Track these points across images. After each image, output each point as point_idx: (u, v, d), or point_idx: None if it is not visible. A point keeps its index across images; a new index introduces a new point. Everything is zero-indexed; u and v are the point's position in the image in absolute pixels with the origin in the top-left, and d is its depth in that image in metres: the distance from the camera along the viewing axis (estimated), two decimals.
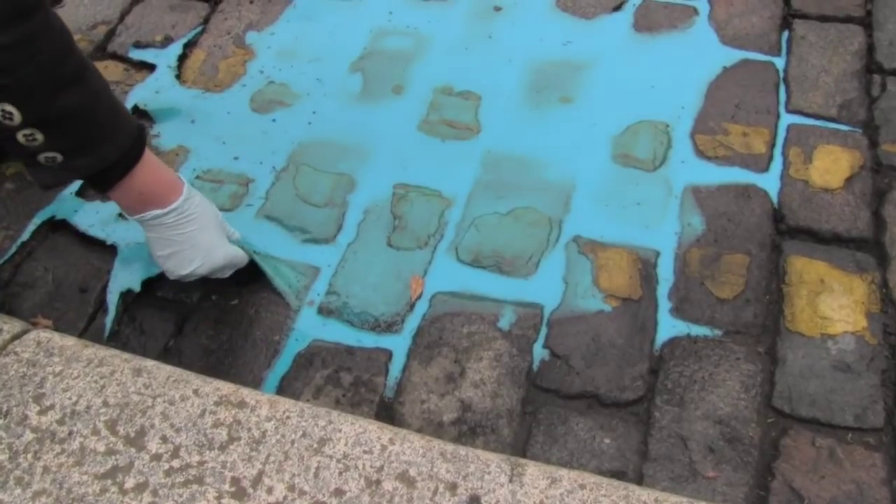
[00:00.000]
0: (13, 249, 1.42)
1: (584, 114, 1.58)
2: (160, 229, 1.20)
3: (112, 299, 1.36)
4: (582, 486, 0.98)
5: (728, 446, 1.16)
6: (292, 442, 1.00)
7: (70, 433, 1.01)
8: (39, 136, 1.03)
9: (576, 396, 1.23)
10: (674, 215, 1.41)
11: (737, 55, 1.66)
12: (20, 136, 1.02)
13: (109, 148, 1.11)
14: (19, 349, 1.11)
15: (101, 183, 1.16)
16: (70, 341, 1.12)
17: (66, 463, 0.99)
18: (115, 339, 1.32)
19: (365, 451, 0.99)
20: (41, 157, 1.07)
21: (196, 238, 1.23)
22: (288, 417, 1.03)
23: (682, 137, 1.52)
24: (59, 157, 1.07)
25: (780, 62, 1.64)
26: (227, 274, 1.32)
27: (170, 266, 1.24)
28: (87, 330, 1.33)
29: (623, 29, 1.73)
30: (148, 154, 1.18)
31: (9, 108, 0.98)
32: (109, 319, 1.34)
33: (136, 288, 1.37)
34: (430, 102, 1.62)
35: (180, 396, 1.05)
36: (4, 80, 0.96)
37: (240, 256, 1.31)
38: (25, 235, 1.44)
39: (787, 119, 1.54)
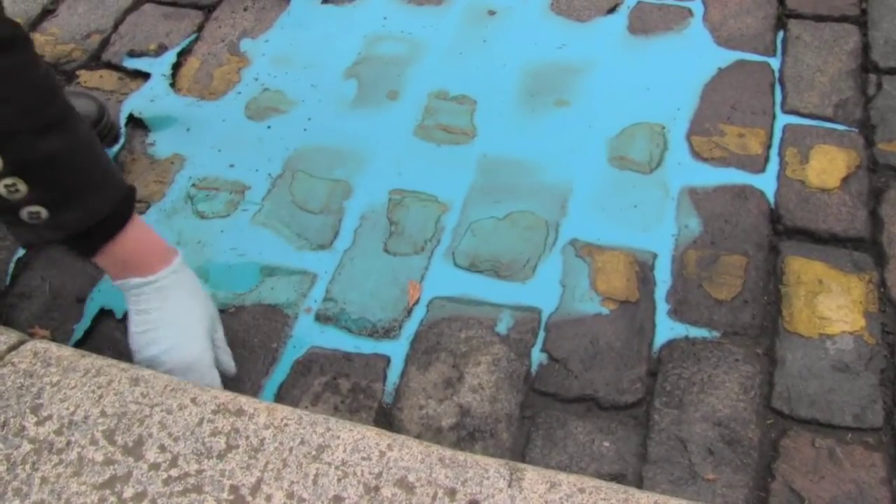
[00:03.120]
0: (11, 263, 1.42)
1: (580, 117, 1.58)
2: (139, 300, 1.13)
3: (90, 310, 1.36)
4: (581, 490, 0.98)
5: (727, 448, 1.16)
6: (290, 449, 1.00)
7: (68, 443, 1.01)
8: (22, 187, 0.97)
9: (574, 400, 1.23)
10: (671, 217, 1.41)
11: (732, 56, 1.66)
12: (1, 188, 0.96)
13: (99, 201, 1.05)
14: (16, 360, 1.10)
15: (87, 244, 1.09)
16: (67, 351, 1.12)
17: (65, 473, 0.98)
18: (94, 348, 1.31)
19: (363, 458, 0.99)
20: (24, 213, 1.00)
21: (172, 319, 1.14)
22: (286, 425, 1.03)
23: (678, 139, 1.53)
24: (44, 213, 1.00)
25: (775, 62, 1.64)
26: (189, 378, 1.14)
27: (138, 343, 1.14)
28: (85, 340, 1.33)
29: (618, 31, 1.73)
30: (137, 217, 1.12)
31: None
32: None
33: (117, 315, 1.36)
34: (425, 107, 1.62)
35: (178, 405, 1.05)
36: None
37: (208, 370, 1.16)
38: (21, 251, 1.44)
39: (782, 119, 1.54)
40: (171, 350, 1.13)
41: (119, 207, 1.08)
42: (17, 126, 0.94)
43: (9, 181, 0.96)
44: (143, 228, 1.13)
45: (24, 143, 0.95)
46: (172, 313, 1.14)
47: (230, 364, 1.22)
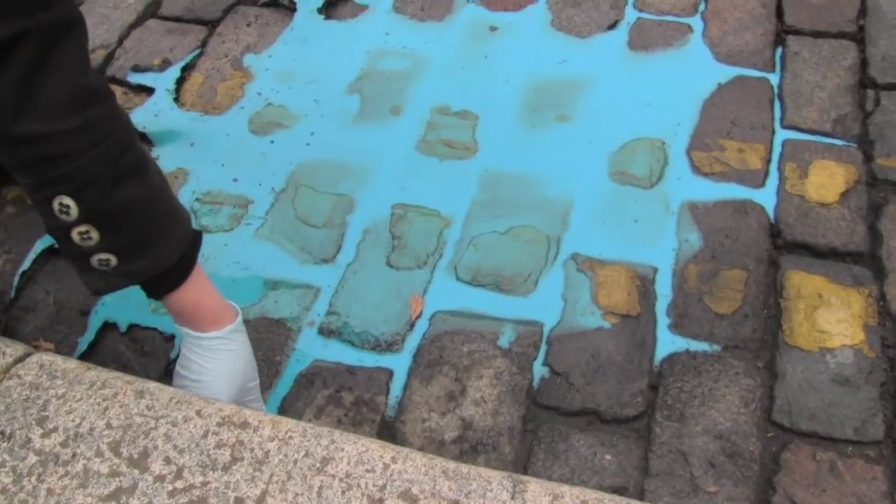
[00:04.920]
0: (16, 277, 1.43)
1: (581, 132, 1.59)
2: (188, 349, 1.15)
3: (94, 322, 1.37)
4: (583, 503, 0.98)
5: (728, 461, 1.16)
6: (295, 462, 1.01)
7: (73, 455, 1.01)
8: (95, 235, 0.99)
9: (576, 413, 1.23)
10: (671, 232, 1.42)
11: (731, 72, 1.67)
12: (75, 234, 0.98)
13: (166, 249, 1.06)
14: (22, 372, 1.11)
15: (152, 290, 1.11)
16: (72, 364, 1.13)
17: (70, 485, 0.99)
18: (99, 360, 1.32)
19: (367, 470, 1.00)
20: (94, 260, 1.02)
21: (208, 380, 1.15)
22: (290, 437, 1.03)
23: (678, 154, 1.53)
24: (114, 260, 1.02)
25: (774, 78, 1.66)
26: None
27: (177, 381, 1.17)
28: (89, 353, 1.34)
29: (618, 47, 1.74)
30: (200, 268, 1.13)
31: (66, 200, 0.95)
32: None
33: (122, 328, 1.37)
34: (427, 122, 1.63)
35: (183, 418, 1.05)
36: (66, 167, 0.93)
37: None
38: (26, 264, 1.44)
39: (782, 134, 1.56)
40: (217, 396, 1.14)
41: (185, 255, 1.09)
42: (96, 173, 0.96)
43: (83, 228, 0.98)
44: (202, 284, 1.14)
45: (100, 190, 0.97)
46: (210, 374, 1.14)
47: None
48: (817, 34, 1.73)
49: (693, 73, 1.68)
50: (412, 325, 1.34)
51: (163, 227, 1.06)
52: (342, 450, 1.02)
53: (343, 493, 0.97)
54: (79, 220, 0.97)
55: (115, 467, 1.00)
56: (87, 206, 0.97)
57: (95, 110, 0.95)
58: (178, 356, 1.30)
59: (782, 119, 1.58)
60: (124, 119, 1.01)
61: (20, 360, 1.13)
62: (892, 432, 1.18)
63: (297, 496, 0.97)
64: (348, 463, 1.00)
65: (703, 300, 1.33)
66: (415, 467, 1.00)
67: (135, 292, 1.36)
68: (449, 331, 1.32)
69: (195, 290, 1.12)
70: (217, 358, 1.14)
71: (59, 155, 0.93)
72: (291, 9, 1.89)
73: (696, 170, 1.51)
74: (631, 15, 1.81)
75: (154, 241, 1.05)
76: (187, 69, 1.78)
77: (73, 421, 1.05)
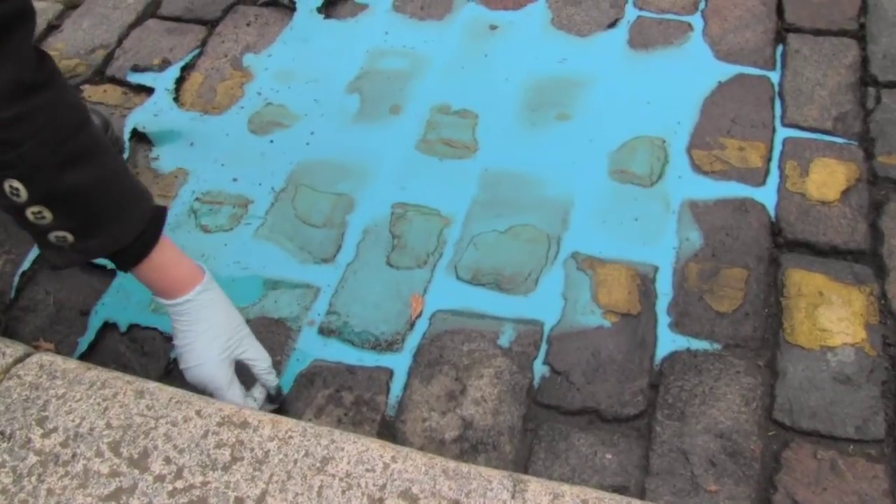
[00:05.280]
0: (16, 277, 1.43)
1: (581, 131, 1.59)
2: (172, 319, 1.16)
3: (94, 323, 1.37)
4: (584, 502, 0.98)
5: (729, 460, 1.16)
6: (295, 461, 1.00)
7: (73, 455, 1.01)
8: (48, 214, 1.00)
9: (577, 412, 1.23)
10: (672, 230, 1.42)
11: (732, 70, 1.67)
12: (29, 214, 1.00)
13: (121, 230, 1.07)
14: (22, 372, 1.11)
15: (118, 263, 1.12)
16: (72, 364, 1.13)
17: (70, 485, 0.99)
18: (99, 360, 1.32)
19: (367, 470, 1.00)
20: (52, 237, 1.03)
21: (192, 340, 1.16)
22: (290, 437, 1.03)
23: (678, 153, 1.53)
24: (70, 238, 1.04)
25: (774, 76, 1.65)
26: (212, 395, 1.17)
27: (178, 356, 1.18)
28: (89, 353, 1.34)
29: (618, 46, 1.74)
30: (165, 239, 1.13)
31: (15, 183, 0.96)
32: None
33: (122, 328, 1.37)
34: (427, 122, 1.63)
35: (183, 418, 1.05)
36: (9, 154, 0.94)
37: (227, 388, 1.17)
38: (26, 264, 1.44)
39: (782, 133, 1.55)
40: (190, 370, 1.16)
41: (144, 234, 1.10)
42: (40, 159, 0.96)
43: (35, 209, 0.99)
44: (169, 252, 1.15)
45: (48, 175, 0.98)
46: (191, 336, 1.16)
47: (268, 380, 1.23)
48: (818, 32, 1.72)
49: (693, 71, 1.68)
50: (412, 325, 1.34)
51: (118, 207, 1.07)
52: (342, 449, 1.02)
53: (343, 492, 0.97)
54: (29, 202, 0.98)
55: (115, 467, 1.00)
56: (36, 190, 0.98)
57: (37, 99, 0.95)
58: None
59: (783, 117, 1.58)
60: (71, 103, 1.02)
61: (20, 360, 1.13)
62: (893, 431, 1.18)
63: (298, 496, 0.97)
64: (348, 462, 1.00)
65: (703, 299, 1.33)
66: (415, 467, 1.00)
67: (135, 292, 1.37)
68: (449, 330, 1.32)
69: (159, 262, 1.13)
70: (193, 319, 1.15)
71: (3, 142, 0.94)
72: (291, 8, 1.89)
73: (697, 168, 1.51)
74: (631, 13, 1.80)
75: (109, 220, 1.06)
76: (187, 69, 1.78)
77: (73, 421, 1.05)
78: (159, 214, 1.13)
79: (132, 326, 1.36)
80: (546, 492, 0.98)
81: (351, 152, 1.59)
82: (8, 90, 0.93)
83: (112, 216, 1.06)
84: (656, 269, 1.38)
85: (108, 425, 1.04)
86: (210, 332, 1.16)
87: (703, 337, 1.29)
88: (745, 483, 1.14)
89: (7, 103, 0.93)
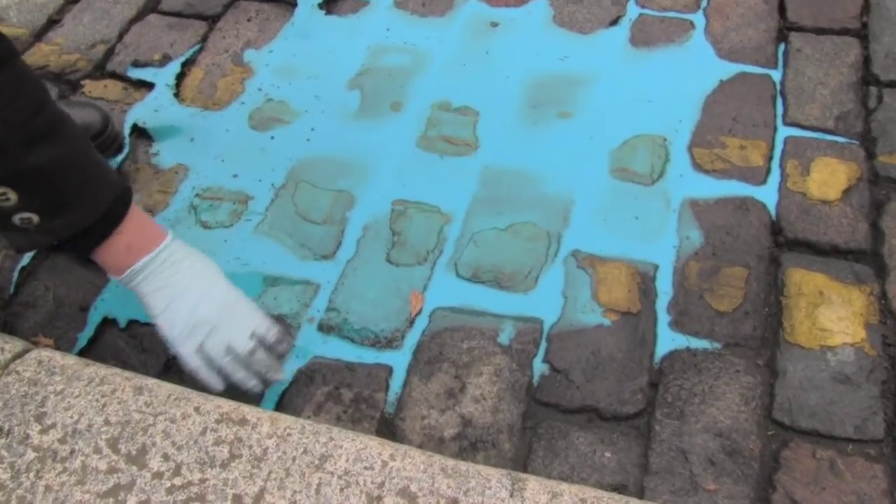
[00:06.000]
0: (15, 272, 1.43)
1: (582, 128, 1.59)
2: (151, 279, 1.13)
3: (93, 318, 1.37)
4: (583, 501, 0.98)
5: (728, 459, 1.16)
6: (293, 459, 1.00)
7: (72, 452, 1.01)
8: (12, 196, 0.99)
9: (576, 410, 1.23)
10: (672, 229, 1.42)
11: (733, 68, 1.67)
12: None
13: (88, 208, 1.06)
14: (20, 368, 1.11)
15: (80, 247, 1.10)
16: (71, 360, 1.13)
17: (68, 482, 0.99)
18: (98, 356, 1.32)
19: (366, 468, 1.00)
20: (16, 219, 1.02)
21: (188, 278, 1.15)
22: (289, 434, 1.03)
23: (679, 151, 1.53)
24: (35, 219, 1.02)
25: (776, 75, 1.65)
26: (233, 322, 1.16)
27: (166, 322, 1.14)
28: (89, 349, 1.34)
29: (620, 43, 1.74)
30: (133, 206, 1.12)
31: None
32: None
33: (121, 323, 1.36)
34: (428, 118, 1.62)
35: (181, 414, 1.05)
36: None
37: (246, 303, 1.18)
38: (25, 259, 1.44)
39: (784, 132, 1.55)
40: (202, 302, 1.14)
41: (110, 211, 1.08)
42: (5, 140, 0.95)
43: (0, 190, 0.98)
44: (138, 215, 1.13)
45: (11, 155, 0.96)
46: (186, 275, 1.14)
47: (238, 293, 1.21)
48: (820, 31, 1.72)
49: (695, 69, 1.68)
50: (412, 322, 1.33)
51: (84, 184, 1.06)
52: (341, 447, 1.02)
53: (341, 490, 0.97)
54: None
55: (113, 464, 1.00)
56: (1, 171, 0.97)
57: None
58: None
59: (784, 116, 1.58)
60: (31, 80, 1.00)
61: (19, 356, 1.13)
62: (892, 431, 1.18)
63: (296, 493, 0.97)
64: (347, 460, 1.00)
65: (703, 297, 1.33)
66: (413, 465, 1.00)
67: (128, 299, 1.37)
68: (449, 327, 1.32)
69: (135, 220, 1.12)
70: (183, 261, 1.14)
71: None
72: (292, 4, 1.88)
73: (698, 167, 1.50)
74: (633, 11, 1.80)
75: (76, 198, 1.04)
76: (187, 64, 1.77)
77: (72, 417, 1.05)
78: (126, 192, 1.12)
79: (131, 322, 1.36)
80: (545, 490, 0.98)
81: (351, 149, 1.58)
82: None
83: (77, 195, 1.05)
84: (656, 267, 1.37)
85: (107, 422, 1.04)
86: (205, 264, 1.16)
87: (703, 336, 1.29)
88: (744, 482, 1.14)
89: None
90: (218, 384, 1.15)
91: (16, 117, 0.96)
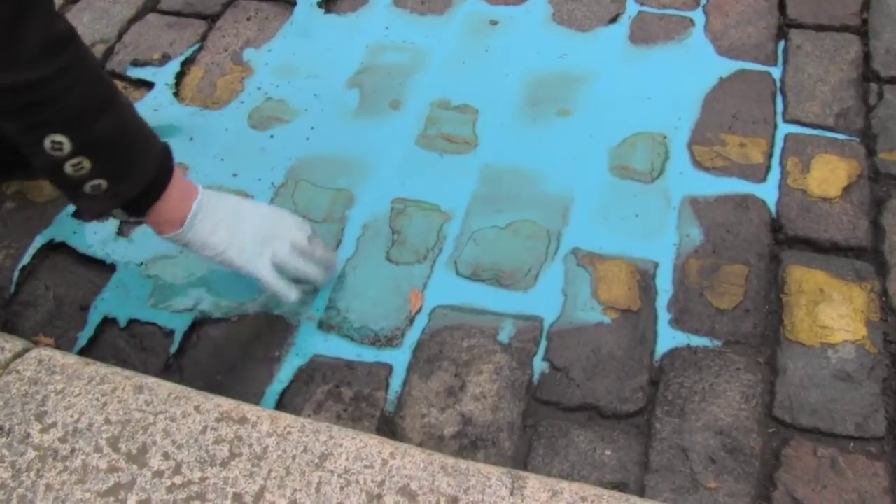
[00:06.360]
0: (15, 272, 1.43)
1: (582, 126, 1.58)
2: (206, 220, 1.20)
3: (93, 317, 1.37)
4: (583, 499, 0.98)
5: (729, 457, 1.16)
6: (293, 457, 1.00)
7: (72, 451, 1.01)
8: (87, 164, 1.04)
9: (576, 409, 1.23)
10: (672, 226, 1.42)
11: (733, 66, 1.67)
12: (68, 167, 1.03)
13: (147, 166, 1.13)
14: (21, 368, 1.11)
15: (142, 204, 1.15)
16: (71, 359, 1.13)
17: (69, 481, 0.99)
18: (98, 355, 1.32)
19: (366, 466, 0.99)
20: (87, 187, 1.07)
21: (233, 205, 1.25)
22: (289, 433, 1.03)
23: (679, 148, 1.53)
24: (105, 184, 1.08)
25: (776, 72, 1.65)
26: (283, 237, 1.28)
27: (235, 247, 1.22)
28: (89, 348, 1.34)
29: (619, 41, 1.74)
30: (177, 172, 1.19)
31: (58, 137, 0.99)
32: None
33: (121, 323, 1.36)
34: (427, 117, 1.62)
35: (181, 413, 1.05)
36: (52, 108, 0.98)
37: (288, 215, 1.32)
38: (26, 259, 1.44)
39: (784, 129, 1.55)
40: (256, 221, 1.26)
41: (162, 165, 1.15)
42: (79, 110, 1.01)
43: (76, 160, 1.03)
44: (177, 170, 1.20)
45: (87, 124, 1.02)
46: (230, 203, 1.25)
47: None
48: (820, 28, 1.72)
49: (694, 66, 1.68)
50: (412, 320, 1.33)
51: (140, 143, 1.13)
52: (341, 445, 1.02)
53: (342, 488, 0.97)
54: (72, 153, 1.02)
55: (113, 463, 1.00)
56: (79, 140, 1.02)
57: (70, 51, 0.99)
58: (177, 351, 1.31)
59: (784, 113, 1.58)
60: (92, 54, 1.07)
61: (19, 355, 1.13)
62: (893, 428, 1.18)
63: (296, 492, 0.97)
64: (347, 459, 1.00)
65: (703, 295, 1.33)
66: (413, 463, 1.00)
67: (134, 288, 1.37)
68: (448, 326, 1.32)
69: (178, 175, 1.19)
70: (217, 193, 1.24)
71: (45, 99, 0.97)
72: (291, 3, 1.88)
73: (698, 164, 1.50)
74: (632, 8, 1.80)
75: (136, 158, 1.12)
76: (187, 64, 1.77)
77: (72, 416, 1.05)
78: (167, 145, 1.18)
79: (131, 321, 1.36)
80: (545, 488, 0.98)
81: (351, 147, 1.58)
82: (48, 45, 0.96)
83: (137, 153, 1.12)
84: (656, 265, 1.37)
85: (107, 421, 1.04)
86: (238, 199, 1.28)
87: (704, 333, 1.29)
88: (745, 480, 1.14)
89: (50, 57, 0.96)
90: (293, 294, 1.27)
91: (88, 87, 1.02)
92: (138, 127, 1.13)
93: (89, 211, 1.12)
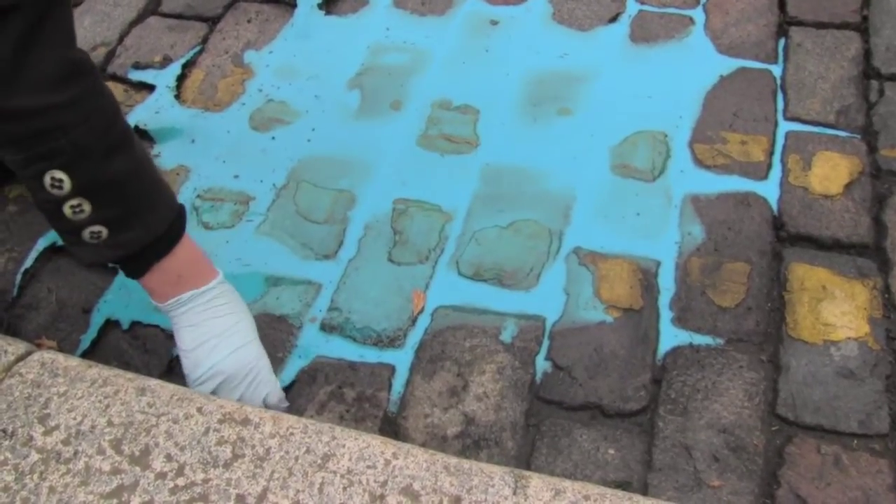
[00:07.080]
0: (18, 275, 1.43)
1: (583, 125, 1.58)
2: (191, 315, 1.16)
3: (96, 320, 1.37)
4: (586, 498, 0.98)
5: (733, 455, 1.16)
6: (296, 458, 1.00)
7: (75, 453, 1.01)
8: (87, 207, 1.01)
9: (579, 408, 1.23)
10: (674, 225, 1.42)
11: (733, 64, 1.67)
12: (66, 209, 1.00)
13: (155, 220, 1.09)
14: (24, 370, 1.11)
15: (140, 263, 1.12)
16: (74, 362, 1.13)
17: (72, 483, 0.99)
18: (101, 358, 1.32)
19: (369, 466, 0.99)
20: (86, 233, 1.04)
21: (225, 327, 1.17)
22: (291, 434, 1.03)
23: (680, 147, 1.53)
24: (105, 232, 1.05)
25: (777, 70, 1.65)
26: (250, 387, 1.19)
27: (192, 360, 1.17)
28: (91, 350, 1.34)
29: (619, 40, 1.74)
30: (186, 233, 1.15)
31: (59, 174, 0.97)
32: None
33: (124, 325, 1.36)
34: (428, 117, 1.62)
35: (184, 415, 1.05)
36: (59, 140, 0.95)
37: (268, 373, 1.21)
38: (29, 262, 1.44)
39: (785, 126, 1.55)
40: (230, 356, 1.16)
41: (173, 225, 1.11)
42: (88, 145, 0.97)
43: (75, 202, 1.00)
44: (192, 243, 1.16)
45: (94, 162, 0.99)
46: (224, 322, 1.17)
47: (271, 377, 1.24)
48: (820, 25, 1.72)
49: (695, 65, 1.68)
50: (414, 321, 1.33)
51: (150, 197, 1.09)
52: (343, 446, 1.02)
53: (344, 489, 0.97)
54: (71, 194, 0.99)
55: (116, 465, 1.00)
56: (80, 180, 0.98)
57: (85, 82, 0.97)
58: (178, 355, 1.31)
59: (785, 111, 1.57)
60: (108, 91, 1.03)
61: (22, 358, 1.13)
62: None
63: (299, 493, 0.97)
64: (349, 459, 1.00)
65: (706, 293, 1.33)
66: (416, 463, 1.00)
67: (137, 290, 1.36)
68: (451, 326, 1.32)
69: (189, 247, 1.15)
70: (225, 306, 1.18)
71: (52, 129, 0.94)
72: (292, 4, 1.88)
73: (699, 162, 1.50)
74: (632, 7, 1.80)
75: (143, 211, 1.07)
76: (188, 66, 1.77)
77: (75, 419, 1.05)
78: (182, 207, 1.15)
79: (134, 324, 1.36)
80: (548, 488, 0.98)
81: (352, 148, 1.58)
82: (61, 73, 0.94)
83: (146, 206, 1.08)
84: (658, 263, 1.37)
85: (110, 423, 1.04)
86: (246, 319, 1.20)
87: (706, 332, 1.29)
88: (749, 478, 1.14)
89: (62, 85, 0.94)
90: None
91: (98, 124, 0.98)
92: (151, 181, 1.10)
93: (83, 257, 1.10)
